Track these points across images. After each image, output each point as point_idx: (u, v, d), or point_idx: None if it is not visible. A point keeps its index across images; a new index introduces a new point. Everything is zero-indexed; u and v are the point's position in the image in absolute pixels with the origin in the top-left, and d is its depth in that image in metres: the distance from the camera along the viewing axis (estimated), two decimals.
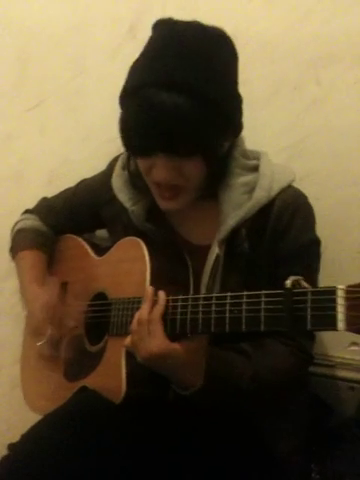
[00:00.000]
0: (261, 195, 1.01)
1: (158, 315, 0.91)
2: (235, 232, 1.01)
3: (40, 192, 1.39)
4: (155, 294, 0.94)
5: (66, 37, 1.44)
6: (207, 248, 1.04)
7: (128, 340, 0.94)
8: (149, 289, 0.94)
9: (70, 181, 1.35)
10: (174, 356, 0.90)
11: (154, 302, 0.93)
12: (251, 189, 1.02)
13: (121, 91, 0.98)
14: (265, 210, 1.01)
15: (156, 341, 0.90)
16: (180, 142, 0.92)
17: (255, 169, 1.04)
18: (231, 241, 1.01)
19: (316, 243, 1.07)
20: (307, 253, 1.04)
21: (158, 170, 0.96)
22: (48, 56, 1.47)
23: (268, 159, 1.07)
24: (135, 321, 0.93)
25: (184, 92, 0.90)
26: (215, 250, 1.01)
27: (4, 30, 1.48)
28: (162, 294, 0.93)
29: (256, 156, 1.07)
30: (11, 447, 1.02)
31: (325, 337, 1.32)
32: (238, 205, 1.01)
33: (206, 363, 0.94)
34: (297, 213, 1.03)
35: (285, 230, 1.02)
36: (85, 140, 1.47)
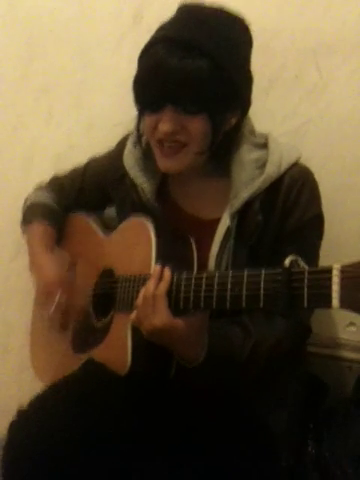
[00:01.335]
0: (272, 170, 1.04)
1: (163, 292, 0.94)
2: (247, 205, 1.04)
3: (47, 177, 1.41)
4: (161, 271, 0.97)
5: (71, 26, 1.46)
6: (215, 222, 1.07)
7: (133, 315, 0.97)
8: (157, 267, 0.97)
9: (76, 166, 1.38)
10: (177, 331, 0.93)
11: (160, 279, 0.96)
12: (262, 165, 1.05)
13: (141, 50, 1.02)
14: (275, 185, 1.05)
15: (160, 316, 0.93)
16: (188, 97, 0.96)
17: (264, 146, 1.08)
18: (242, 214, 1.05)
19: (320, 219, 1.10)
20: (311, 228, 1.08)
21: (164, 123, 0.99)
22: (54, 45, 1.48)
23: (275, 138, 1.10)
24: (140, 297, 0.96)
25: (196, 52, 0.94)
26: (226, 222, 1.04)
27: (11, 19, 1.50)
28: (167, 271, 0.96)
29: (263, 136, 1.11)
30: (19, 413, 1.06)
31: (324, 317, 1.35)
32: (250, 180, 1.04)
33: (207, 337, 0.97)
34: (304, 188, 1.06)
35: (293, 206, 1.06)
36: (90, 127, 1.49)
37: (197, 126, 0.99)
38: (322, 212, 1.10)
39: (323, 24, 1.24)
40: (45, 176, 1.42)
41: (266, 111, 1.30)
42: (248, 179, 1.04)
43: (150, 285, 0.95)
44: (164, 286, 0.94)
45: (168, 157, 1.04)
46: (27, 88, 1.52)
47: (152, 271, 0.98)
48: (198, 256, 1.06)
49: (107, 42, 1.44)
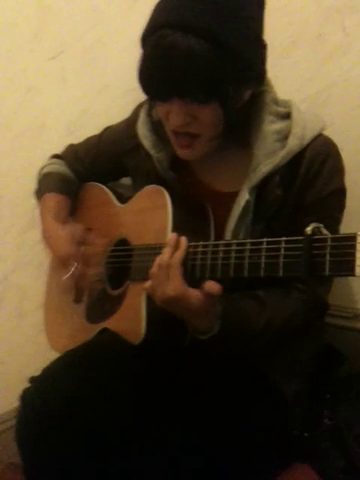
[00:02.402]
0: (295, 143, 1.00)
1: (178, 260, 0.92)
2: (267, 179, 1.01)
3: (60, 143, 1.40)
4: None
5: None
6: (233, 195, 1.03)
7: (148, 284, 0.96)
8: (173, 235, 0.95)
9: (90, 132, 1.35)
10: (190, 301, 0.91)
11: (175, 248, 0.94)
12: (284, 137, 1.01)
13: (142, 32, 0.96)
14: (297, 158, 1.01)
15: (173, 285, 0.91)
16: (195, 87, 0.91)
17: (286, 117, 1.03)
18: (262, 188, 1.01)
19: (342, 192, 1.06)
20: (332, 202, 1.04)
21: (174, 116, 0.95)
22: (67, 5, 1.45)
23: (298, 107, 1.05)
24: (156, 265, 0.94)
25: (200, 35, 0.88)
26: (245, 196, 1.00)
27: None
28: (184, 240, 0.94)
29: (286, 104, 1.06)
30: (32, 380, 1.06)
31: (342, 289, 1.33)
32: (271, 153, 1.00)
33: (222, 310, 0.96)
34: (327, 161, 1.02)
35: (314, 178, 1.02)
36: (104, 91, 1.47)
37: (208, 115, 0.95)
38: (344, 186, 1.06)
39: None
40: (58, 142, 1.40)
41: (287, 74, 1.26)
42: (269, 152, 1.00)
43: (165, 253, 0.94)
44: (180, 255, 0.93)
45: (183, 149, 1.02)
46: (41, 48, 1.49)
47: (168, 240, 0.96)
48: (215, 228, 1.04)
49: (121, 2, 1.40)
